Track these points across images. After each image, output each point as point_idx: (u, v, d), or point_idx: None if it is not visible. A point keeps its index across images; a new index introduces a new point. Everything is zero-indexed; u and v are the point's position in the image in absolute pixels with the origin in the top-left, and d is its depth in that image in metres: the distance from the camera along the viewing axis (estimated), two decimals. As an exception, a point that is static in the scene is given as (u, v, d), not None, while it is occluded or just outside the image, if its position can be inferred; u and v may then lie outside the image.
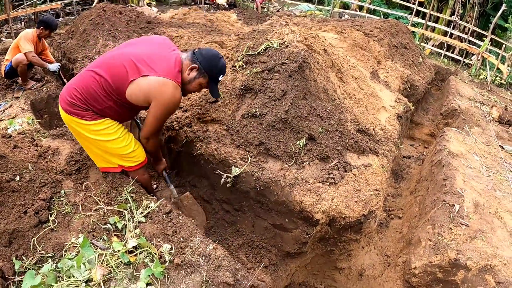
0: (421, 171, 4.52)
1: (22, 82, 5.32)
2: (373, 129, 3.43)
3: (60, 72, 5.45)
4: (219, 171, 2.79)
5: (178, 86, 2.29)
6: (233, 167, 2.73)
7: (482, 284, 2.65)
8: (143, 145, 2.59)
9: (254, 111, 2.89)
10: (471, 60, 9.14)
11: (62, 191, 2.58)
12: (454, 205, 3.22)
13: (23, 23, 8.11)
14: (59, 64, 5.47)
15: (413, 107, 4.83)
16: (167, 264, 2.19)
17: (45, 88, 5.38)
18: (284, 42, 3.24)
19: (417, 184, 4.34)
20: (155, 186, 3.24)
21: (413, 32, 9.37)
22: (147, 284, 2.07)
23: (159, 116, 2.34)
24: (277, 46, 3.20)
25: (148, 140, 2.51)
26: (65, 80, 5.60)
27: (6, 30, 8.87)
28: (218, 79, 2.46)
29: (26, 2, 6.96)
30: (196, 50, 2.43)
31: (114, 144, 2.46)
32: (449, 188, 3.42)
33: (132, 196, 2.55)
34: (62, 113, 2.41)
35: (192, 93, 2.56)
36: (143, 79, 2.22)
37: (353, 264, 3.31)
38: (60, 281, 2.04)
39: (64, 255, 2.20)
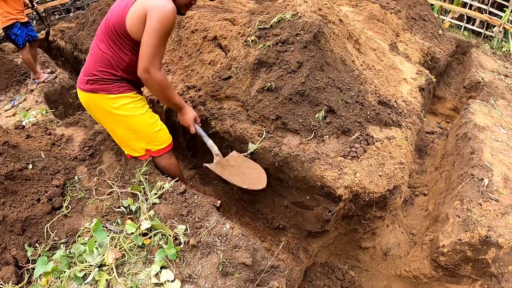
0: (446, 146, 4.32)
1: (34, 75, 5.33)
2: (395, 101, 3.25)
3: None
4: (233, 149, 2.68)
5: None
6: (249, 143, 2.62)
7: (514, 263, 2.46)
8: (145, 84, 2.29)
9: (269, 85, 2.75)
10: (493, 32, 8.72)
11: (76, 177, 2.54)
12: (483, 179, 3.00)
13: (34, 21, 8.17)
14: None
15: (435, 80, 4.61)
16: (182, 245, 2.10)
17: (58, 79, 5.41)
18: (297, 13, 3.07)
19: (442, 159, 4.13)
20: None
21: (431, 5, 8.99)
22: (162, 267, 1.98)
23: (156, 30, 2.10)
24: (290, 17, 3.04)
25: (149, 74, 2.17)
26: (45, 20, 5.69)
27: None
28: None
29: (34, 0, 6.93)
30: None
31: (142, 120, 2.42)
32: (477, 162, 3.22)
33: (145, 178, 2.48)
34: (84, 97, 2.37)
35: (187, 7, 2.34)
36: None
37: (378, 243, 3.18)
38: (73, 267, 1.99)
39: (77, 240, 2.15)
